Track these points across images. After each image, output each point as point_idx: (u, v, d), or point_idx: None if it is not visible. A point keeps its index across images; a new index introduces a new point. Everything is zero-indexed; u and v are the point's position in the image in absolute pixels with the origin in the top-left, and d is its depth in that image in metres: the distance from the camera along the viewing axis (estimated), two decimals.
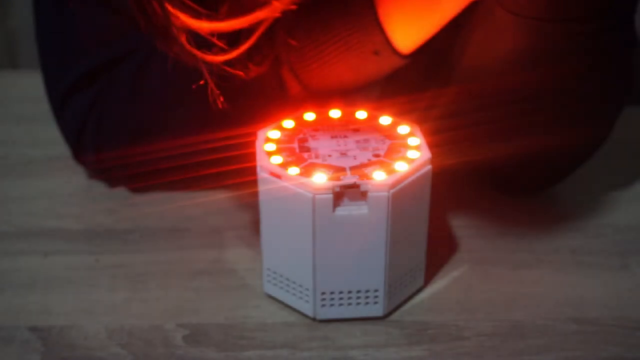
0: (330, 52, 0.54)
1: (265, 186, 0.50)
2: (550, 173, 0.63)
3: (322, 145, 0.51)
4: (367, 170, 0.48)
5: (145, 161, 0.61)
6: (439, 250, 0.58)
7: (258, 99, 0.57)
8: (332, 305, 0.51)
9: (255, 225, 0.56)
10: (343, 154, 0.50)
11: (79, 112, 0.63)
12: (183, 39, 0.48)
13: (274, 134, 0.52)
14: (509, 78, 0.55)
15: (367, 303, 0.51)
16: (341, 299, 0.51)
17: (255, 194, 0.51)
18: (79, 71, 0.62)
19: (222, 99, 0.50)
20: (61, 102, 0.64)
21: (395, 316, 0.52)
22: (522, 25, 0.51)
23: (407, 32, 0.52)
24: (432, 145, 0.51)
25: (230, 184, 0.62)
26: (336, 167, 0.49)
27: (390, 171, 0.48)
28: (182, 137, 0.60)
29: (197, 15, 0.48)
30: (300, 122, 0.54)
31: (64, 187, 0.66)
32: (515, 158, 0.58)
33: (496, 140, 0.58)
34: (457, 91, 0.58)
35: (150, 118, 0.61)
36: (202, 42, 0.48)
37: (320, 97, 0.57)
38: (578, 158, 0.62)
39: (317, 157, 0.50)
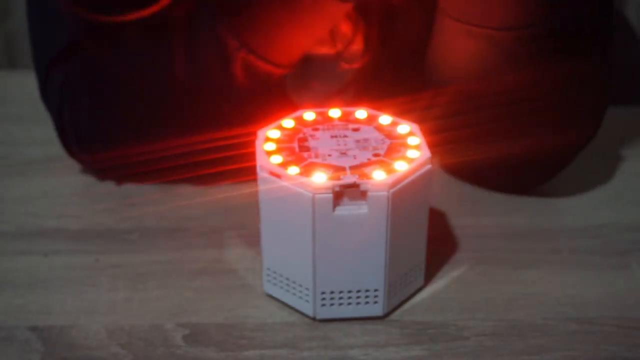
0: None
1: (265, 186, 0.50)
2: (540, 171, 0.64)
3: (322, 144, 0.51)
4: (367, 170, 0.48)
5: (141, 160, 0.61)
6: (439, 250, 0.58)
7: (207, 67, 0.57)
8: (332, 305, 0.51)
9: (255, 225, 0.56)
10: (343, 154, 0.50)
11: (57, 91, 0.63)
12: None
13: (274, 133, 0.52)
14: (488, 82, 0.56)
15: (367, 303, 0.51)
16: (341, 298, 0.51)
17: (255, 194, 0.51)
18: (57, 47, 0.63)
19: None
20: (44, 82, 0.64)
21: (395, 316, 0.52)
22: (470, 33, 0.52)
23: None
24: (432, 145, 0.52)
25: (230, 183, 0.62)
26: (336, 167, 0.49)
27: (390, 171, 0.48)
28: (147, 120, 0.60)
29: None
30: (300, 122, 0.54)
31: (64, 187, 0.66)
32: (511, 157, 0.59)
33: (495, 140, 0.58)
34: (456, 91, 0.58)
35: (120, 99, 0.62)
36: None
37: (268, 56, 0.57)
38: (566, 157, 0.62)
39: (316, 156, 0.50)
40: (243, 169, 0.54)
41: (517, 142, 0.58)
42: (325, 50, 0.64)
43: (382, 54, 0.61)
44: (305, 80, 0.67)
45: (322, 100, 0.67)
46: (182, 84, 0.59)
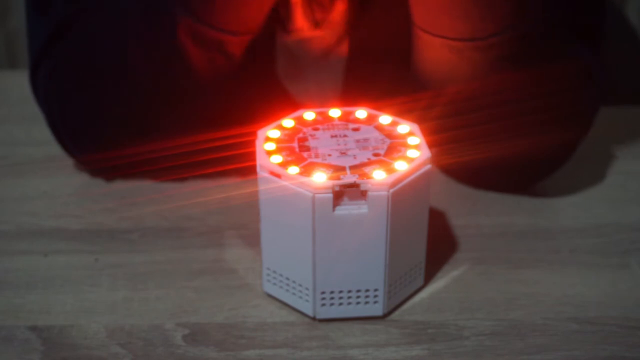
0: None
1: (265, 185, 0.50)
2: (534, 171, 0.64)
3: (322, 144, 0.51)
4: (367, 170, 0.48)
5: (138, 160, 0.61)
6: (439, 250, 0.58)
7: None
8: (331, 304, 0.51)
9: (255, 225, 0.56)
10: (343, 153, 0.50)
11: (43, 87, 0.64)
12: None
13: (274, 133, 0.52)
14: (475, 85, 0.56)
15: (366, 302, 0.51)
16: (341, 298, 0.51)
17: (255, 194, 0.51)
18: (40, 43, 0.63)
19: None
20: (33, 79, 0.64)
21: (395, 315, 0.52)
22: (442, 45, 0.53)
23: None
24: (432, 145, 0.52)
25: (230, 183, 0.62)
26: (336, 167, 0.49)
27: (390, 170, 0.48)
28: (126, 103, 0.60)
29: None
30: (300, 122, 0.54)
31: (64, 187, 0.66)
32: (506, 157, 0.59)
33: (490, 140, 0.58)
34: (456, 91, 0.58)
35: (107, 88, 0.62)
36: None
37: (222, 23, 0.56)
38: (560, 157, 0.63)
39: (316, 156, 0.50)
40: (243, 168, 0.54)
41: (511, 142, 0.58)
42: (307, 30, 0.64)
43: (364, 39, 0.61)
44: (296, 66, 0.67)
45: (314, 83, 0.67)
46: (141, 76, 0.58)
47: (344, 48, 0.65)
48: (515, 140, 0.58)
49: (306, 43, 0.65)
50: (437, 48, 0.54)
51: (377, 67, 0.66)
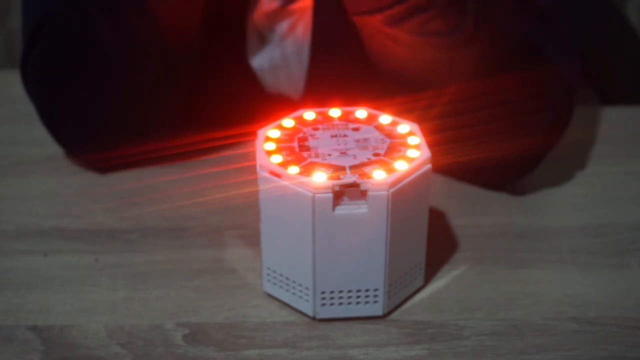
0: None
1: (265, 185, 0.50)
2: (512, 170, 0.64)
3: (322, 144, 0.51)
4: (366, 169, 0.48)
5: (138, 160, 0.61)
6: (439, 250, 0.58)
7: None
8: (332, 304, 0.51)
9: (255, 225, 0.56)
10: (343, 153, 0.50)
11: (30, 84, 0.64)
12: None
13: (274, 133, 0.52)
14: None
15: (367, 302, 0.51)
16: (341, 298, 0.51)
17: (255, 194, 0.51)
18: (25, 43, 0.64)
19: None
20: (24, 76, 0.65)
21: (395, 315, 0.52)
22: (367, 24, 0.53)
23: None
24: (431, 145, 0.52)
25: (230, 183, 0.62)
26: (336, 166, 0.49)
27: (390, 170, 0.48)
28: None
29: None
30: (300, 121, 0.54)
31: (64, 187, 0.66)
32: (490, 157, 0.59)
33: (492, 139, 0.58)
34: (456, 90, 0.58)
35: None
36: None
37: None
38: (536, 157, 0.63)
39: (316, 156, 0.50)
40: (243, 168, 0.54)
41: (493, 144, 0.58)
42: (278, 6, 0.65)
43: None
44: (264, 48, 0.67)
45: (281, 66, 0.68)
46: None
47: (309, 35, 0.66)
48: (492, 142, 0.58)
49: (275, 24, 0.66)
50: (368, 29, 0.55)
51: (342, 56, 0.66)
